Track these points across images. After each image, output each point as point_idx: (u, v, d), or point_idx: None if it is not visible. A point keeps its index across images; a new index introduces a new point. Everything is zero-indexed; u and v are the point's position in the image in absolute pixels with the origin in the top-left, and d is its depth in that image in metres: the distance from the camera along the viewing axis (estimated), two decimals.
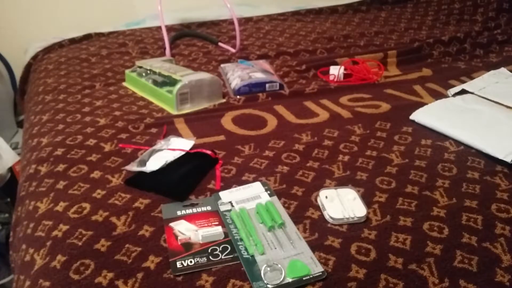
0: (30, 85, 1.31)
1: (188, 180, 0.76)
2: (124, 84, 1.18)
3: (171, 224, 0.66)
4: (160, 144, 0.86)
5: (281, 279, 0.56)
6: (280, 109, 1.03)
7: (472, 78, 1.18)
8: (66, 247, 0.62)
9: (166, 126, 0.94)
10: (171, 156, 0.82)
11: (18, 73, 1.62)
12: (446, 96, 1.08)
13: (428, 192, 0.73)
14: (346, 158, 0.83)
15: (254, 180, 0.76)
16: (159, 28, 1.60)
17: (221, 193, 0.72)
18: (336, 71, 1.20)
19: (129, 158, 0.83)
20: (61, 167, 0.80)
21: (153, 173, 0.77)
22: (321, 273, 0.57)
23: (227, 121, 0.97)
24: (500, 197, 0.72)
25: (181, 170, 0.78)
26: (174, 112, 1.01)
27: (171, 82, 1.05)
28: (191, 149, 0.85)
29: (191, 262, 0.59)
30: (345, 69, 1.21)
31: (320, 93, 1.11)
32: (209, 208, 0.69)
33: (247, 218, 0.66)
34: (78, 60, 1.34)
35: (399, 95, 1.10)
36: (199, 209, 0.69)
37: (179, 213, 0.68)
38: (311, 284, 0.56)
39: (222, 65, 1.25)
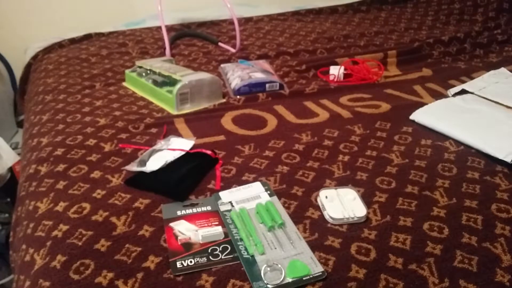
0: (30, 85, 1.31)
1: (188, 180, 0.76)
2: (124, 84, 1.18)
3: (171, 224, 0.66)
4: (160, 144, 0.86)
5: (281, 279, 0.56)
6: (280, 109, 1.03)
7: (472, 78, 1.18)
8: (66, 247, 0.62)
9: (166, 126, 0.94)
10: (171, 156, 0.82)
11: (18, 73, 1.62)
12: (446, 96, 1.08)
13: (428, 192, 0.73)
14: (346, 158, 0.83)
15: (254, 180, 0.76)
16: (159, 28, 1.60)
17: (221, 193, 0.72)
18: (336, 71, 1.20)
19: (129, 158, 0.83)
20: (61, 167, 0.80)
21: (153, 173, 0.77)
22: (321, 273, 0.57)
23: (227, 121, 0.97)
24: (500, 197, 0.72)
25: (181, 170, 0.78)
26: (174, 112, 1.01)
27: (171, 82, 1.05)
28: (191, 149, 0.85)
29: (191, 262, 0.59)
30: (345, 69, 1.21)
31: (320, 93, 1.11)
32: (209, 208, 0.69)
33: (247, 218, 0.66)
34: (78, 60, 1.34)
35: (399, 95, 1.10)
36: (199, 209, 0.69)
37: (179, 213, 0.68)
38: (311, 284, 0.56)
39: (222, 65, 1.25)
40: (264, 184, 0.75)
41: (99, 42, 1.49)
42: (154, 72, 1.12)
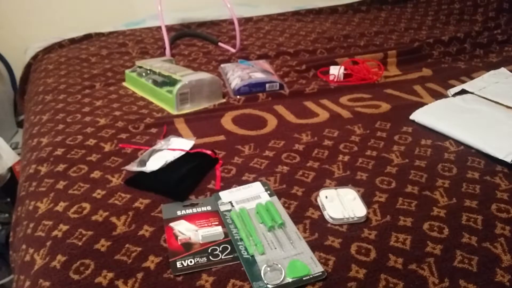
0: (30, 85, 1.31)
1: (188, 180, 0.76)
2: (124, 84, 1.18)
3: (171, 224, 0.66)
4: (160, 144, 0.86)
5: (281, 279, 0.56)
6: (280, 109, 1.03)
7: (472, 78, 1.18)
8: (66, 247, 0.62)
9: (166, 126, 0.94)
10: (171, 156, 0.82)
11: (18, 73, 1.62)
12: (446, 96, 1.08)
13: (428, 192, 0.73)
14: (346, 158, 0.83)
15: (254, 180, 0.76)
16: (159, 28, 1.60)
17: (221, 193, 0.72)
18: (336, 71, 1.20)
19: (129, 158, 0.83)
20: (61, 167, 0.80)
21: (153, 173, 0.77)
22: (321, 273, 0.57)
23: (227, 121, 0.97)
24: (500, 197, 0.72)
25: (181, 170, 0.78)
26: (174, 112, 1.01)
27: (171, 82, 1.05)
28: (191, 149, 0.85)
29: (191, 262, 0.59)
30: (345, 69, 1.21)
31: (320, 93, 1.11)
32: (209, 208, 0.69)
33: (247, 218, 0.66)
34: (78, 60, 1.34)
35: (399, 95, 1.10)
36: (199, 209, 0.69)
37: (179, 213, 0.68)
38: (311, 284, 0.56)
39: (222, 65, 1.25)
40: (264, 184, 0.75)
41: (99, 42, 1.49)
42: (154, 72, 1.12)
